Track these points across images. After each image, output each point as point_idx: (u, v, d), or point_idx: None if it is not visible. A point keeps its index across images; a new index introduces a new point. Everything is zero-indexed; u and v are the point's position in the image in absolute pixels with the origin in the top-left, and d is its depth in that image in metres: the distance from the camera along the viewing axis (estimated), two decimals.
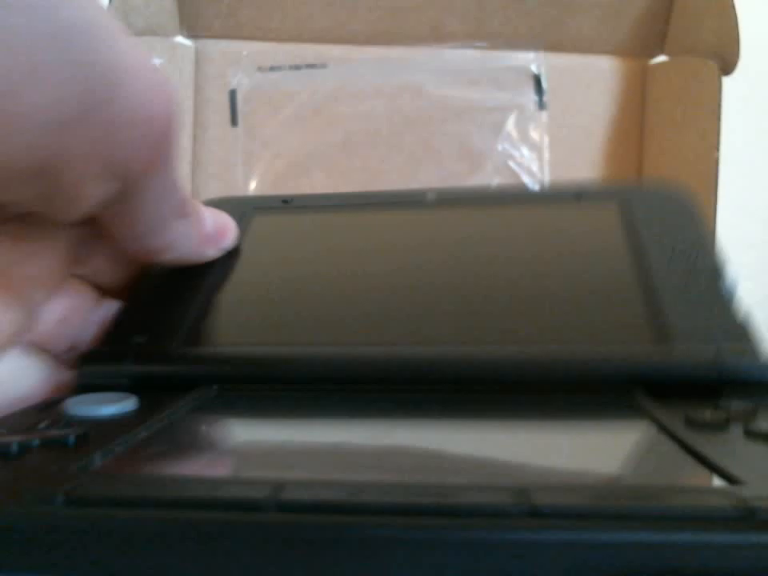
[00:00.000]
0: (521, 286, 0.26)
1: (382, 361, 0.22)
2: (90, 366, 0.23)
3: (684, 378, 0.20)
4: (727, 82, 0.45)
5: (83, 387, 0.22)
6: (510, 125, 0.50)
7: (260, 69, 0.50)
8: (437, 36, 0.49)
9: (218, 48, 0.50)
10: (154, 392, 0.21)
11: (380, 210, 0.30)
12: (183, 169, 0.49)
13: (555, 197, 0.30)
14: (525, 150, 0.50)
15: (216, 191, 0.49)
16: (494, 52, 0.50)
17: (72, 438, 0.16)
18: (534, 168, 0.50)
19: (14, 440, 0.16)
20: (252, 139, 0.50)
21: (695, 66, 0.46)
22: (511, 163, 0.50)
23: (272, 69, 0.50)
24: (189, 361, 0.23)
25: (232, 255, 0.28)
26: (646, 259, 0.25)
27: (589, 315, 0.24)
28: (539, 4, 0.48)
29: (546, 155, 0.50)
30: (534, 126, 0.50)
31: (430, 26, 0.49)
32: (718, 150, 0.45)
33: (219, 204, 0.28)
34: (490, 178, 0.49)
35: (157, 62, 0.48)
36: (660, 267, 0.25)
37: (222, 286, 0.27)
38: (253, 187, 0.49)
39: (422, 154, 0.50)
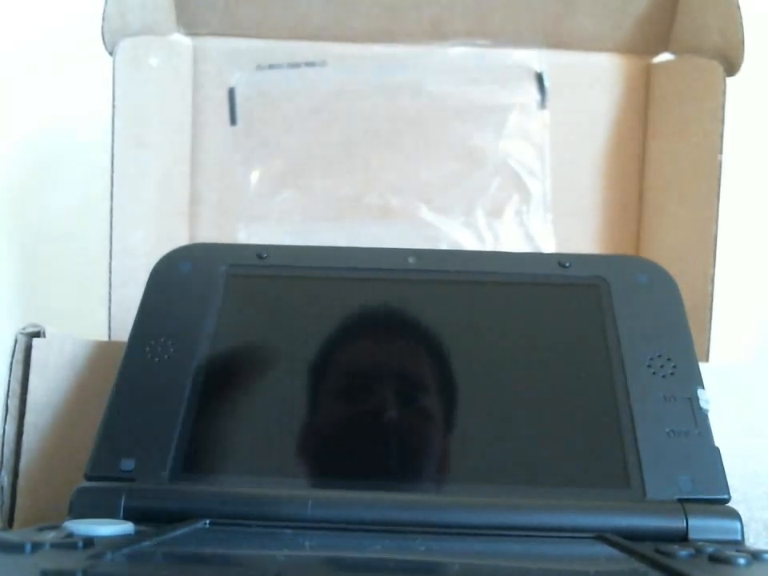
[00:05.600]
0: (494, 410, 0.29)
1: (365, 506, 0.25)
2: (84, 497, 0.25)
3: (652, 535, 0.24)
4: (731, 83, 0.44)
5: (77, 514, 0.24)
6: (511, 123, 0.49)
7: (259, 67, 0.49)
8: (437, 34, 0.49)
9: (216, 46, 0.49)
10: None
11: (359, 288, 0.32)
12: (182, 169, 0.49)
13: (534, 279, 0.33)
14: (526, 149, 0.49)
15: (215, 191, 0.49)
16: (495, 50, 0.49)
17: (80, 543, 0.18)
18: (535, 167, 0.49)
19: (26, 541, 0.17)
20: (251, 138, 0.49)
21: (699, 66, 0.45)
22: (512, 162, 0.49)
23: (271, 67, 0.49)
24: (180, 499, 0.25)
25: (203, 353, 0.30)
26: (624, 367, 0.29)
27: (564, 452, 0.27)
28: (541, 1, 0.48)
29: (548, 154, 0.49)
30: (535, 125, 0.50)
31: (431, 23, 0.49)
32: (720, 151, 0.44)
33: (191, 257, 0.30)
34: (491, 178, 0.49)
35: (154, 61, 0.47)
36: (637, 382, 0.28)
37: (204, 397, 0.28)
38: (253, 187, 0.49)
39: (421, 153, 0.49)
